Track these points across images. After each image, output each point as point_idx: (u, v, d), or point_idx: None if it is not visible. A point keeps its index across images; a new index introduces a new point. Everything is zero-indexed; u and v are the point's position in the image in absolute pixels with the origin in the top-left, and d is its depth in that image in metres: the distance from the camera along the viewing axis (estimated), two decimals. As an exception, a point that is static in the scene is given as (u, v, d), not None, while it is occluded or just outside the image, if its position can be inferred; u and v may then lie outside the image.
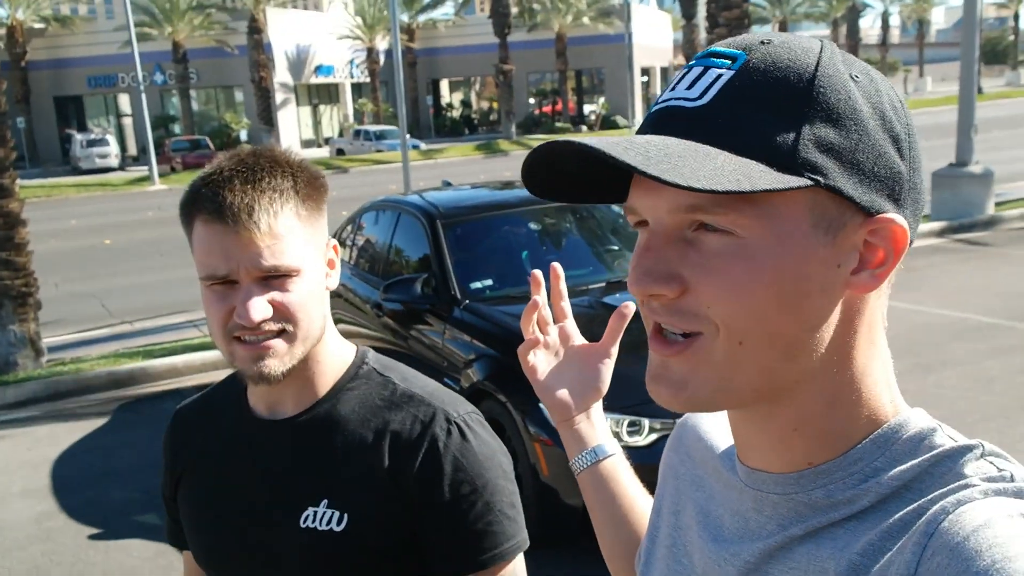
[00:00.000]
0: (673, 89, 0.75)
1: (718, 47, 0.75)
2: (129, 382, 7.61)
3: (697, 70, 0.74)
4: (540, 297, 1.20)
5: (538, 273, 1.22)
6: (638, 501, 1.19)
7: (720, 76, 0.72)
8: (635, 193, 0.75)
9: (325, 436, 1.32)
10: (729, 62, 0.72)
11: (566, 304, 1.23)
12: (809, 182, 0.68)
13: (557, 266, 1.22)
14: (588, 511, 1.21)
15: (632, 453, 3.82)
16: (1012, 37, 73.35)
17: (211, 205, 1.20)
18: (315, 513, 1.28)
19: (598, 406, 1.22)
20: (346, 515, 1.28)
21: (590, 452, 1.19)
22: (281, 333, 1.24)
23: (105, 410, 7.03)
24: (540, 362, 1.21)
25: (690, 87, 0.73)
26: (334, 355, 1.36)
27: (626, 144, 0.70)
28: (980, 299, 8.09)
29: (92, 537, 4.80)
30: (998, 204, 12.54)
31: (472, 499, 1.29)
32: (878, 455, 0.74)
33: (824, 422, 0.75)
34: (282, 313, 1.23)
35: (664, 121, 0.73)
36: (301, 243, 1.25)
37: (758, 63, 0.71)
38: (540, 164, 0.77)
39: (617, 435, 3.89)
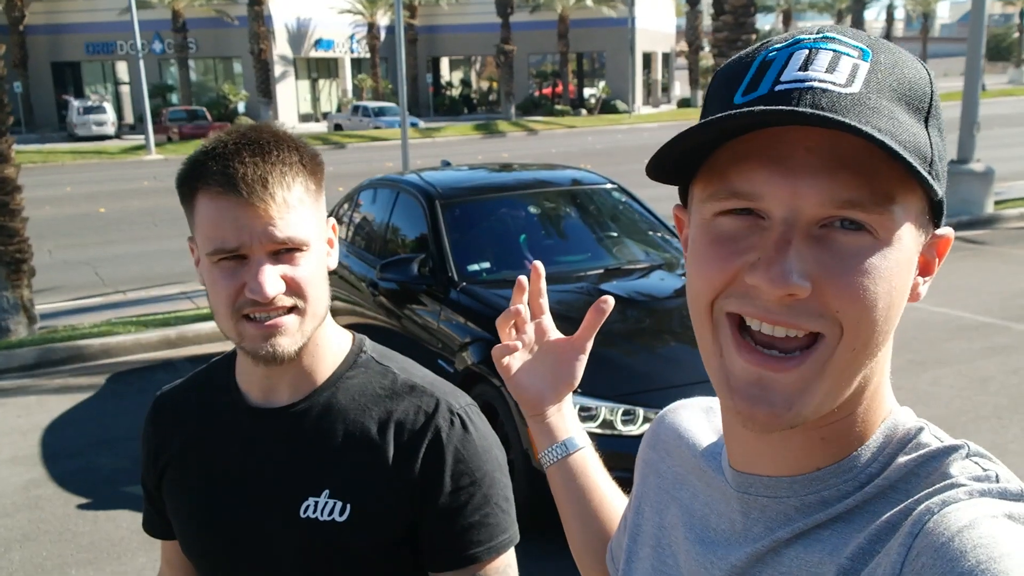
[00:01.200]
0: (804, 70, 0.69)
1: (833, 34, 0.71)
2: (122, 352, 7.58)
3: (827, 54, 0.70)
4: (522, 306, 1.17)
5: (539, 265, 1.20)
6: (608, 496, 1.17)
7: (858, 66, 0.69)
8: (757, 178, 0.68)
9: (326, 425, 1.30)
10: (857, 52, 0.70)
11: (544, 301, 1.20)
12: (940, 191, 0.70)
13: (538, 265, 1.20)
14: (557, 506, 1.19)
15: (626, 442, 3.85)
16: (1017, 34, 73.25)
17: (221, 177, 1.17)
18: (316, 503, 1.27)
19: (569, 399, 1.21)
20: (348, 505, 1.26)
21: (560, 446, 1.17)
22: (292, 310, 1.22)
23: (97, 379, 7.01)
24: (514, 359, 1.18)
25: (829, 71, 0.68)
26: (333, 341, 1.34)
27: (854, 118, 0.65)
28: (977, 298, 8.10)
29: (80, 507, 4.79)
30: (997, 203, 12.54)
31: (471, 491, 1.29)
32: (872, 460, 0.74)
33: (847, 427, 0.75)
34: (293, 288, 1.21)
35: (814, 100, 0.67)
36: (310, 218, 1.23)
37: (886, 61, 0.70)
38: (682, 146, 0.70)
39: (611, 424, 3.89)
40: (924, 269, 0.75)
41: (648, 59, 53.08)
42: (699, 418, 0.97)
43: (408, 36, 45.78)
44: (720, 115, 0.67)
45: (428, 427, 1.29)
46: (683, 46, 52.29)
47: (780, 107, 0.65)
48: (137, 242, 13.46)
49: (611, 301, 1.15)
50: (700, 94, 48.16)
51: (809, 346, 0.69)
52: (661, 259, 5.57)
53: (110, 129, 38.50)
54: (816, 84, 0.67)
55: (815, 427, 0.73)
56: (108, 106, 39.91)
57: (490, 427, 1.37)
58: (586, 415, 3.90)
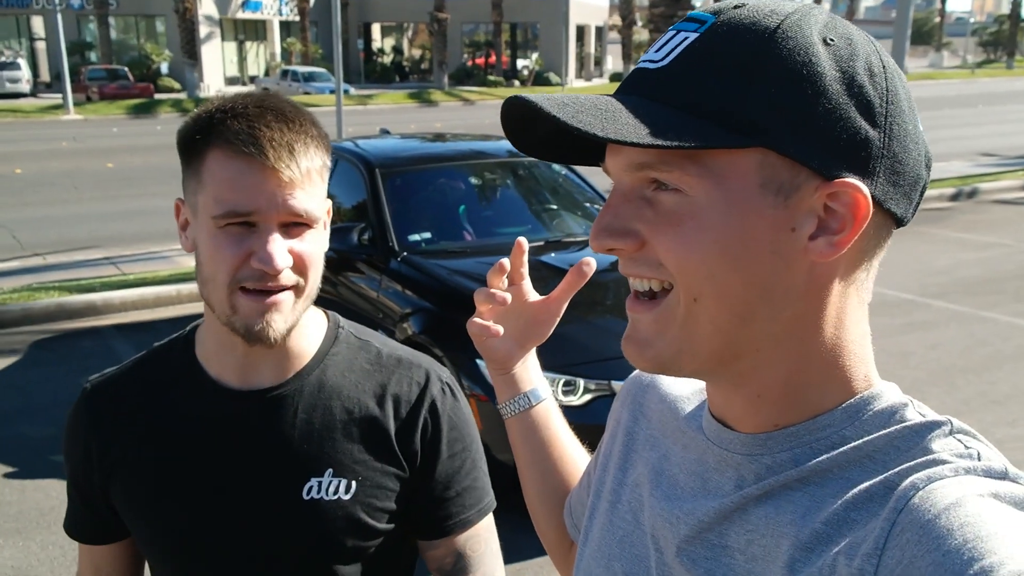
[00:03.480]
0: (646, 52, 0.77)
1: (696, 12, 0.77)
2: (44, 318, 7.33)
3: (670, 34, 0.76)
4: (506, 260, 1.17)
5: (523, 241, 1.18)
6: (569, 449, 1.18)
7: (685, 39, 0.73)
8: (607, 155, 0.78)
9: (319, 404, 1.26)
10: (697, 25, 0.74)
11: (525, 270, 1.20)
12: (751, 143, 0.69)
13: (522, 240, 1.17)
14: (515, 457, 1.18)
15: (566, 412, 3.89)
16: (938, 19, 75.25)
17: (246, 137, 1.10)
18: (319, 483, 1.23)
19: (533, 352, 1.20)
20: (353, 482, 1.24)
21: (523, 397, 1.16)
22: (290, 288, 1.17)
23: (18, 346, 6.78)
24: (487, 313, 1.17)
25: (658, 50, 0.75)
26: (310, 319, 1.30)
27: (566, 100, 0.72)
28: (897, 276, 8.36)
29: (7, 476, 4.66)
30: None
31: (463, 456, 1.32)
32: (847, 424, 0.75)
33: (789, 388, 0.76)
34: (299, 265, 1.17)
35: (633, 82, 0.76)
36: (321, 195, 1.20)
37: (722, 26, 0.72)
38: (515, 121, 0.79)
39: (552, 395, 3.92)
40: (833, 226, 0.71)
41: (581, 32, 53.06)
42: (684, 383, 0.98)
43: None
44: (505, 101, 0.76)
45: (424, 398, 1.30)
46: (616, 20, 52.34)
47: (517, 99, 0.74)
48: (56, 205, 12.99)
49: (593, 263, 1.15)
50: (632, 68, 48.32)
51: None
52: (599, 232, 5.61)
53: (25, 87, 37.03)
54: (640, 64, 0.76)
55: (739, 382, 0.77)
56: (23, 63, 38.34)
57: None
58: (528, 386, 3.93)
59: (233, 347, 1.23)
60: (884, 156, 0.71)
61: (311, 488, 1.24)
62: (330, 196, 1.27)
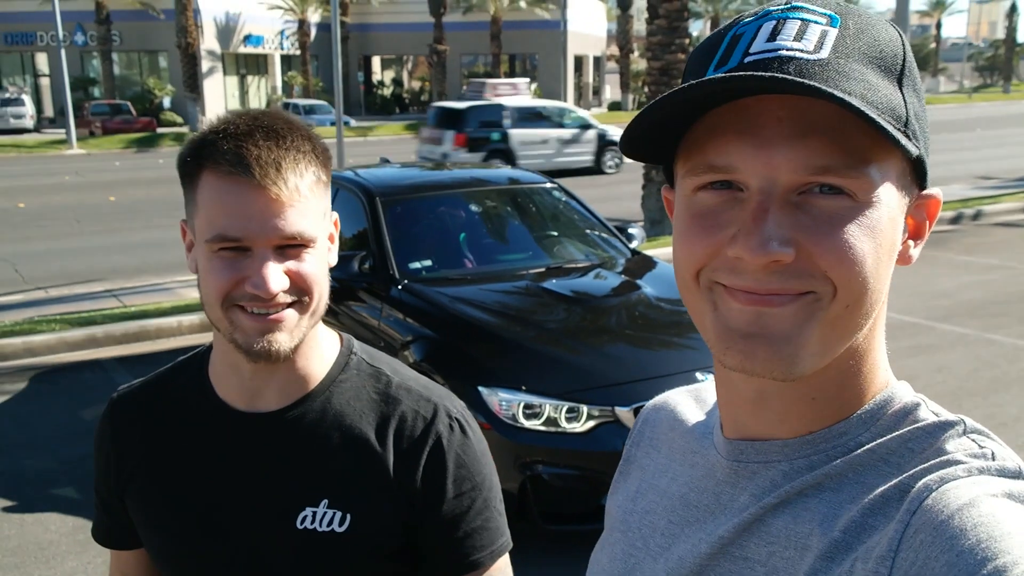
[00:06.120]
0: (773, 40, 0.70)
1: (801, 3, 0.72)
2: (45, 351, 7.32)
3: (795, 23, 0.70)
4: None
5: None
6: None
7: (826, 32, 0.70)
8: (732, 150, 0.69)
9: (321, 432, 1.23)
10: (826, 20, 0.70)
11: None
12: (916, 150, 0.70)
13: None
14: None
15: (570, 439, 3.87)
16: (933, 44, 75.77)
17: (232, 157, 1.10)
18: (314, 514, 1.21)
19: None
20: (348, 515, 1.21)
21: None
22: (292, 304, 1.15)
23: (19, 379, 6.75)
24: None
25: (797, 39, 0.69)
26: (323, 342, 1.28)
27: (820, 81, 0.66)
28: (901, 299, 8.34)
29: (6, 510, 4.62)
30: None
31: (472, 496, 1.25)
32: (863, 429, 0.74)
33: (838, 391, 0.75)
34: (297, 284, 1.14)
35: (782, 68, 0.68)
36: (317, 211, 1.17)
37: (855, 25, 0.71)
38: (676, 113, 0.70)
39: (555, 421, 3.90)
40: (915, 232, 0.75)
41: (580, 62, 53.44)
42: (688, 402, 0.97)
43: (340, 34, 45.37)
44: (683, 85, 0.68)
45: (428, 433, 1.24)
46: (614, 50, 52.77)
47: (742, 74, 0.66)
48: (59, 239, 13.03)
49: None
50: (631, 97, 48.73)
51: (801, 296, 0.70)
52: (600, 258, 5.61)
53: (29, 122, 37.20)
54: (785, 53, 0.68)
55: (807, 384, 0.74)
56: (27, 98, 38.55)
57: (481, 431, 1.34)
58: (530, 412, 3.90)
59: (239, 369, 1.23)
60: (927, 161, 0.75)
61: (305, 517, 1.21)
62: (331, 224, 1.24)
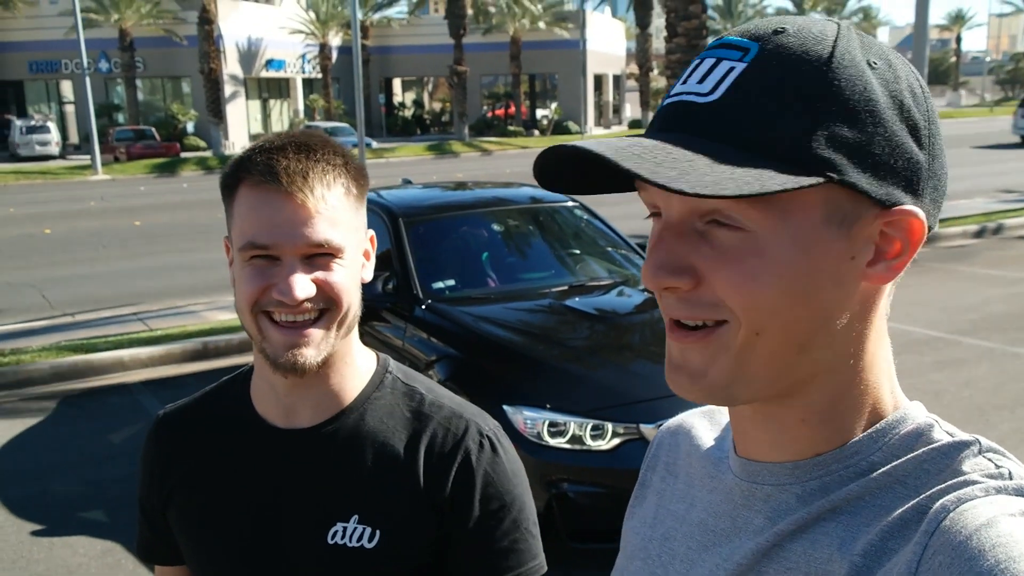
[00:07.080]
0: (684, 83, 0.73)
1: (731, 36, 0.73)
2: (72, 375, 7.39)
3: (709, 62, 0.72)
4: None
5: None
6: None
7: (732, 69, 0.70)
8: (651, 189, 0.73)
9: (354, 449, 1.25)
10: (741, 53, 0.70)
11: None
12: (821, 179, 0.67)
13: None
14: None
15: (596, 457, 3.86)
16: (954, 59, 75.44)
17: (263, 168, 1.15)
18: (344, 529, 1.22)
19: None
20: (378, 531, 1.22)
21: None
22: (320, 316, 1.18)
23: (47, 404, 6.83)
24: None
25: (701, 80, 0.71)
26: (358, 360, 1.30)
27: (636, 149, 0.68)
28: (926, 314, 8.27)
29: (35, 533, 4.66)
30: (940, 221, 12.83)
31: (500, 515, 1.25)
32: (875, 449, 0.74)
33: (832, 413, 0.75)
34: (324, 293, 1.17)
35: (676, 117, 0.71)
36: (348, 224, 1.20)
37: (770, 55, 0.69)
38: (550, 163, 0.75)
39: (580, 439, 3.89)
40: (889, 250, 0.72)
41: (599, 81, 53.63)
42: (702, 424, 0.97)
43: (362, 56, 45.75)
44: (542, 151, 0.74)
45: (458, 450, 1.25)
46: (633, 68, 52.90)
47: (565, 145, 0.70)
48: (85, 264, 13.17)
49: None
50: (650, 115, 48.72)
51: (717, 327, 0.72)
52: (622, 276, 5.61)
53: (54, 149, 37.73)
54: (684, 97, 0.71)
55: (789, 408, 0.75)
56: (52, 126, 39.12)
57: (516, 451, 1.34)
58: (555, 431, 3.90)
59: (275, 386, 1.26)
60: (930, 177, 0.72)
61: (335, 533, 1.22)
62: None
